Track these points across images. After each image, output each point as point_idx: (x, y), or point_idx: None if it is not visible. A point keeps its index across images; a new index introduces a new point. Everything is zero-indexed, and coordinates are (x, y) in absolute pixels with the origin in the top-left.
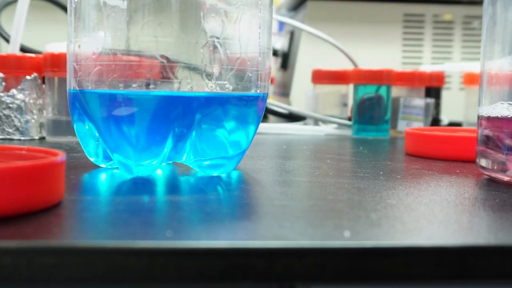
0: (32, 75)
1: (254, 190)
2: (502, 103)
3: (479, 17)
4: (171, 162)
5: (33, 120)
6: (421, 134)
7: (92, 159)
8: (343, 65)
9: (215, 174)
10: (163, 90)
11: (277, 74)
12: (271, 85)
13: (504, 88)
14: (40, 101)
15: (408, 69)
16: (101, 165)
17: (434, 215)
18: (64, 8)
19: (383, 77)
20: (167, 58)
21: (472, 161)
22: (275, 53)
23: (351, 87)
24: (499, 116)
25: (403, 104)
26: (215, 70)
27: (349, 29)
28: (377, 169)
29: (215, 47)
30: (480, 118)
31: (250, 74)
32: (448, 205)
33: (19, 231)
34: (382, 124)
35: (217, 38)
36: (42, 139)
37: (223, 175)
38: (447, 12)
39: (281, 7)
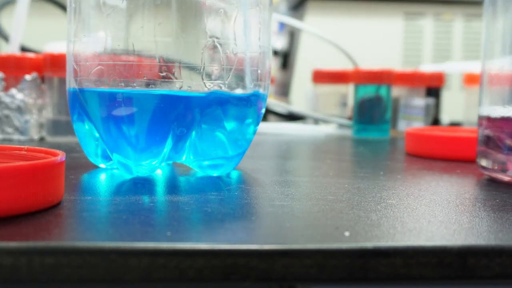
0: (32, 75)
1: (254, 190)
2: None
3: (479, 17)
4: (171, 162)
5: (32, 120)
6: (421, 134)
7: (92, 159)
8: (343, 65)
9: (215, 174)
10: (163, 90)
11: (277, 74)
12: (271, 85)
13: (504, 88)
14: (39, 101)
15: (408, 69)
16: (101, 165)
17: (434, 215)
18: (64, 8)
19: (383, 77)
20: (167, 58)
21: (473, 161)
22: (275, 53)
23: (351, 87)
24: (500, 116)
25: (403, 104)
26: (215, 70)
27: (349, 29)
28: (377, 169)
29: (215, 47)
30: (480, 118)
31: (250, 74)
32: (448, 205)
33: (19, 231)
34: (382, 124)
35: (217, 38)
36: (42, 139)
37: (223, 175)
38: (447, 12)
39: (280, 3)
